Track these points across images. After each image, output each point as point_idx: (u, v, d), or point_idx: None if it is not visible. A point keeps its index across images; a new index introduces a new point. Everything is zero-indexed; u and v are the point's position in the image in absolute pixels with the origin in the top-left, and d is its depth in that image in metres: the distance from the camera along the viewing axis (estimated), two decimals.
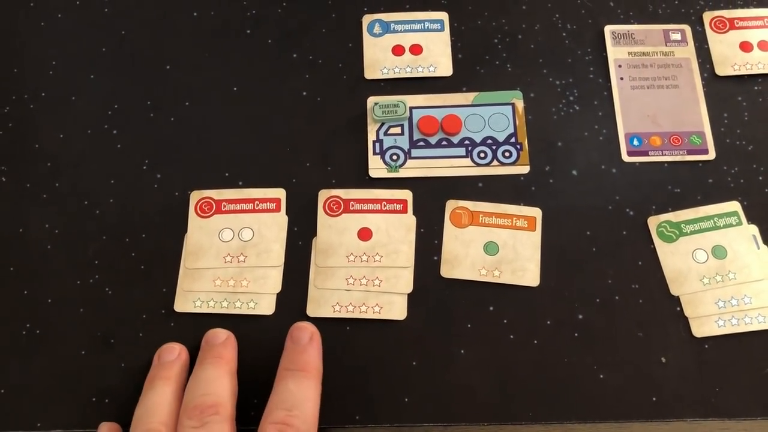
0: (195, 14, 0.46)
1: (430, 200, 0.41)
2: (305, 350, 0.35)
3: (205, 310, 0.39)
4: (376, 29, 0.45)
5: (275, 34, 0.45)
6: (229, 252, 0.40)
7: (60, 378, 0.37)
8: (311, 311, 0.39)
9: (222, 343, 0.36)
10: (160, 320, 0.39)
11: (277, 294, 0.39)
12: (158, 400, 0.34)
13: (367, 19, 0.46)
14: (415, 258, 0.40)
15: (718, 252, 0.40)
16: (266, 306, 0.39)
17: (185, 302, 0.39)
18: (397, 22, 0.46)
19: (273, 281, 0.39)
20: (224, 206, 0.41)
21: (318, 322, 0.38)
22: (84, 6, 0.46)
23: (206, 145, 0.42)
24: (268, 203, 0.41)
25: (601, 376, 0.37)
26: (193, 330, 0.38)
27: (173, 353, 0.36)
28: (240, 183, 0.42)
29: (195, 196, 0.41)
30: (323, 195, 0.41)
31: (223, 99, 0.44)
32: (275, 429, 0.32)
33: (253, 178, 0.42)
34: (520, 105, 0.43)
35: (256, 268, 0.39)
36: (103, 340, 0.38)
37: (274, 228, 0.40)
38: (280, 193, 0.41)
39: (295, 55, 0.45)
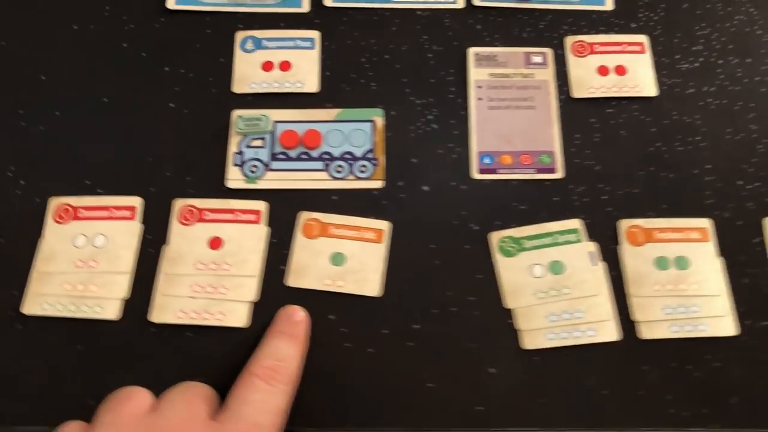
0: (75, 27, 0.47)
1: (286, 212, 0.42)
2: (298, 324, 0.38)
3: (52, 313, 0.40)
4: (248, 45, 0.47)
5: (150, 48, 0.47)
6: (80, 257, 0.41)
7: None
8: (155, 317, 0.40)
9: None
10: (6, 322, 0.40)
11: (125, 300, 0.40)
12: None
13: (240, 36, 0.47)
14: (265, 268, 0.41)
15: (556, 268, 0.41)
16: (112, 311, 0.40)
17: (33, 305, 0.40)
18: (269, 39, 0.47)
19: (120, 287, 0.40)
20: (81, 213, 0.42)
21: (161, 328, 0.39)
22: None
23: (71, 154, 0.44)
24: (123, 211, 0.42)
25: (430, 385, 0.39)
26: (39, 332, 0.39)
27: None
28: (100, 191, 0.43)
29: (53, 202, 0.42)
30: (178, 204, 0.42)
31: (92, 109, 0.45)
32: (264, 372, 0.35)
33: (113, 186, 0.43)
34: (380, 122, 0.45)
35: (105, 273, 0.40)
36: None
37: (126, 235, 0.41)
38: (136, 202, 0.42)
39: (166, 69, 0.46)
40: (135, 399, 0.35)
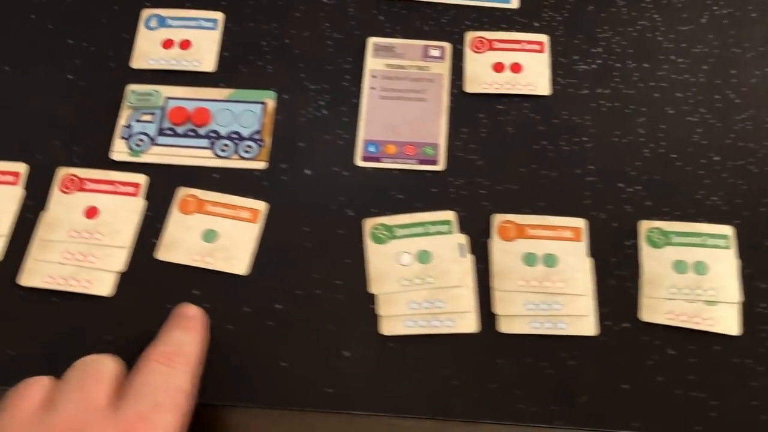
0: None
1: (166, 187, 0.43)
2: (191, 318, 0.38)
3: None
4: (152, 23, 0.48)
5: (56, 20, 0.48)
6: None
7: None
8: (23, 281, 0.40)
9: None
10: None
11: None
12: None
13: (145, 13, 0.48)
14: (137, 240, 0.42)
15: (423, 257, 0.41)
16: None
17: None
18: (173, 18, 0.48)
19: None
20: None
21: (28, 292, 0.40)
22: None
23: None
24: (7, 176, 0.43)
25: (283, 365, 0.39)
26: None
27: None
28: None
29: None
30: (61, 172, 0.43)
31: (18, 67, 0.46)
32: (162, 356, 0.35)
33: (0, 152, 0.44)
34: (271, 104, 0.45)
35: None
36: None
37: (7, 200, 0.42)
38: (20, 168, 0.43)
39: (70, 41, 0.47)
40: (29, 395, 0.33)
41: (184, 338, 0.37)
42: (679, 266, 0.41)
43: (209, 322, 0.39)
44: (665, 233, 0.42)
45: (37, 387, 0.34)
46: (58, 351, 0.39)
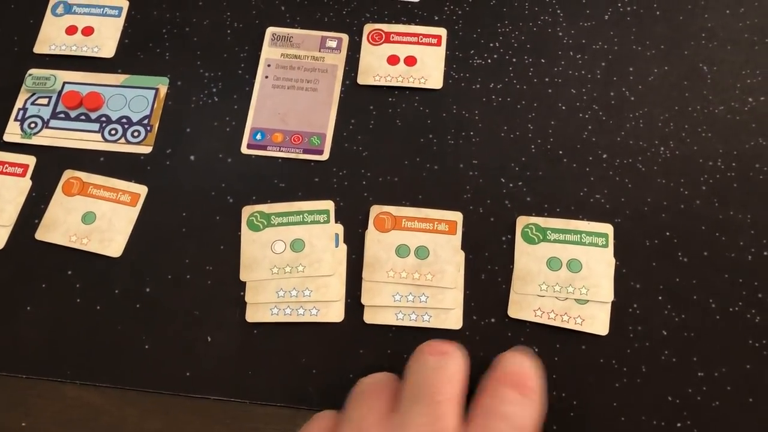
0: None
1: (53, 169, 0.44)
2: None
3: None
4: (59, 10, 0.48)
5: None
6: None
7: None
8: None
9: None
10: None
11: None
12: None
13: (53, 0, 0.49)
14: (18, 220, 0.42)
15: (297, 245, 0.41)
16: None
17: None
18: (79, 5, 0.49)
19: None
20: None
21: None
22: None
23: None
24: None
25: (147, 347, 0.39)
26: None
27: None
28: None
29: None
30: None
31: None
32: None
33: None
34: (163, 90, 0.46)
35: None
36: None
37: None
38: None
39: None
40: (385, 392, 0.32)
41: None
42: (553, 263, 0.41)
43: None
44: (542, 230, 0.41)
45: (390, 383, 0.33)
46: None
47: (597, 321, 0.39)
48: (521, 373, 0.32)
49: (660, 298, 0.40)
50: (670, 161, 0.43)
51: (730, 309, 0.39)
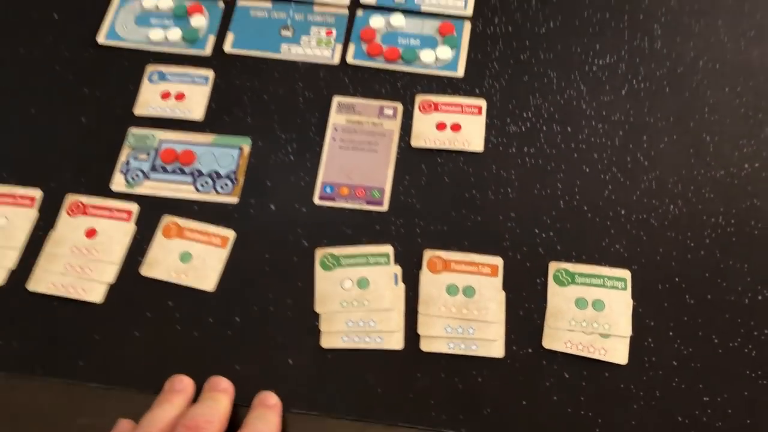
0: (21, 51, 0.58)
1: (153, 214, 0.52)
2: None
3: None
4: (154, 77, 0.57)
5: (76, 73, 0.57)
6: None
7: None
8: (31, 286, 0.49)
9: (222, 389, 0.45)
10: None
11: (11, 270, 0.50)
12: (162, 415, 0.42)
13: (149, 69, 0.57)
14: (126, 258, 0.50)
15: (362, 283, 0.49)
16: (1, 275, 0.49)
17: None
18: (172, 74, 0.57)
19: (9, 259, 0.50)
20: None
21: (34, 296, 0.48)
22: None
23: None
24: (25, 200, 0.52)
25: (237, 368, 0.46)
26: None
27: (181, 384, 0.45)
28: (11, 180, 0.53)
29: None
30: (69, 198, 0.52)
31: (19, 117, 0.55)
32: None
33: (21, 178, 0.53)
34: (246, 149, 0.54)
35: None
36: None
37: (23, 219, 0.51)
38: (36, 193, 0.52)
39: (85, 90, 0.56)
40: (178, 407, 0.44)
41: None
42: (580, 303, 0.48)
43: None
44: (571, 274, 0.49)
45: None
46: (56, 345, 0.47)
47: (618, 352, 0.47)
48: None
49: (671, 333, 0.47)
50: (679, 218, 0.51)
51: (730, 344, 0.47)
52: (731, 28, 0.58)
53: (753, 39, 0.57)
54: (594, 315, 0.47)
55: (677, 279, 0.49)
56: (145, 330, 0.48)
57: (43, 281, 0.49)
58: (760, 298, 0.48)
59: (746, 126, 0.54)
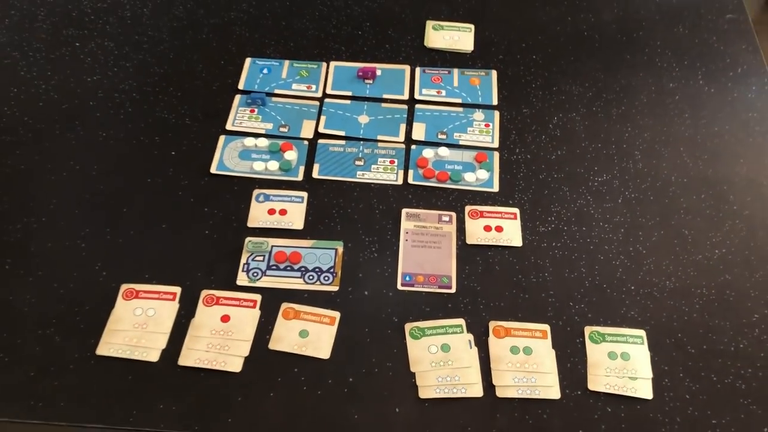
0: (149, 180, 0.74)
1: (273, 302, 0.65)
2: None
3: (117, 354, 0.61)
4: (260, 198, 0.73)
5: (197, 196, 0.72)
6: (137, 322, 0.63)
7: None
8: (181, 361, 0.61)
9: None
10: (84, 360, 0.61)
11: (163, 350, 0.62)
12: None
13: (255, 192, 0.73)
14: (255, 336, 0.63)
15: (445, 348, 0.63)
16: (154, 355, 0.61)
17: (104, 348, 0.61)
18: (274, 195, 0.73)
19: (161, 341, 0.62)
20: (141, 294, 0.65)
21: (184, 368, 0.61)
22: None
23: (140, 257, 0.68)
24: (168, 295, 0.65)
25: (356, 417, 0.59)
26: (105, 362, 0.61)
27: None
28: (154, 281, 0.66)
29: (124, 287, 0.65)
30: (204, 293, 0.65)
31: (159, 232, 0.70)
32: None
33: (163, 278, 0.66)
34: (340, 250, 0.69)
35: (152, 333, 0.62)
36: None
37: (168, 310, 0.64)
38: (176, 289, 0.65)
39: (206, 209, 0.72)
40: None
41: None
42: (612, 355, 0.63)
43: None
44: (601, 334, 0.64)
45: None
46: (207, 407, 0.59)
47: (644, 390, 0.61)
48: None
49: (681, 374, 0.62)
50: (673, 290, 0.67)
51: (726, 380, 0.62)
52: (691, 153, 0.78)
53: (707, 161, 0.77)
54: (623, 363, 0.62)
55: (680, 335, 0.65)
56: (277, 391, 0.60)
57: (190, 357, 0.61)
58: (741, 346, 0.64)
59: (712, 222, 0.73)
